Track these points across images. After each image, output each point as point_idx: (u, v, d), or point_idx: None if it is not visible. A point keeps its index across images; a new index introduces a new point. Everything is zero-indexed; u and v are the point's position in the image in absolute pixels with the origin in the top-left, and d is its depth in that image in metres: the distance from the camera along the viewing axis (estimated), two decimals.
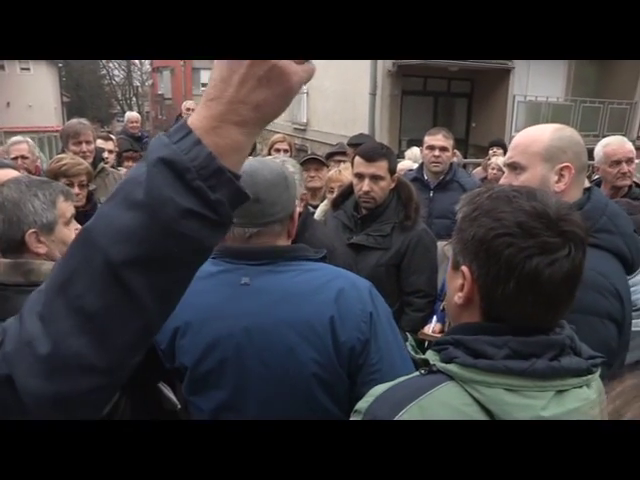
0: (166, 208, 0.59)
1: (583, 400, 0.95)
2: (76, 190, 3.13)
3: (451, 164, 3.95)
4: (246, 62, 0.62)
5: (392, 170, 2.75)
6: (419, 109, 15.15)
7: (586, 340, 1.10)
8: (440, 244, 3.11)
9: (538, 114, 14.19)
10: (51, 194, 1.75)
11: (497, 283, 0.96)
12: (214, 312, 1.45)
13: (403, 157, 5.89)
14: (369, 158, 2.71)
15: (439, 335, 2.30)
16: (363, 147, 2.91)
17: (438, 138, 3.85)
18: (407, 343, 1.14)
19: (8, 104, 25.80)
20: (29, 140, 4.39)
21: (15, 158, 4.03)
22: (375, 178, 2.69)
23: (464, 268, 1.00)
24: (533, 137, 1.65)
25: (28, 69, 26.90)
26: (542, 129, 1.68)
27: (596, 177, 3.71)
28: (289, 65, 0.64)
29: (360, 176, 2.72)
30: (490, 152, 6.85)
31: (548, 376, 0.93)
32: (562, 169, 1.61)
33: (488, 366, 0.93)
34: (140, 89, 45.28)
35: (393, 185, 2.77)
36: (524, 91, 14.38)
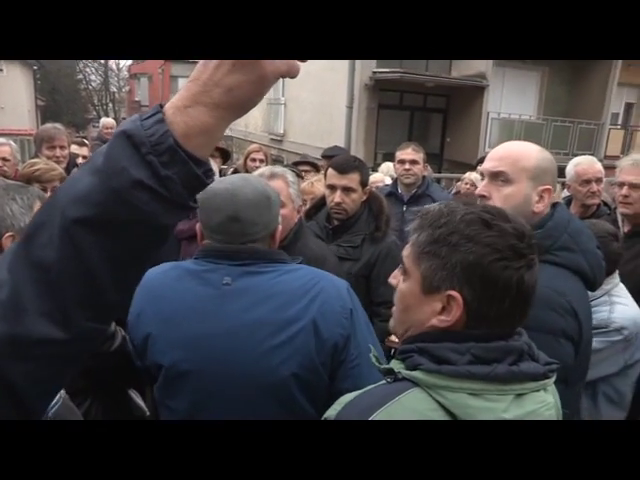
0: (119, 177, 0.62)
1: (540, 403, 1.00)
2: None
3: (424, 178, 4.06)
4: None
5: (364, 183, 2.80)
6: (395, 123, 15.33)
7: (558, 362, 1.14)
8: None
9: (511, 131, 14.48)
10: (29, 199, 1.76)
11: (491, 304, 1.00)
12: (195, 311, 1.46)
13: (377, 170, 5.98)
14: (341, 170, 2.76)
15: None
16: (336, 159, 2.96)
17: (408, 152, 3.99)
18: (370, 355, 1.14)
19: None
20: (12, 143, 4.33)
21: None
22: (347, 190, 2.73)
23: (454, 293, 1.00)
24: (521, 152, 1.65)
25: (1, 70, 26.49)
26: (528, 146, 1.68)
27: (566, 195, 3.80)
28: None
29: (332, 188, 2.77)
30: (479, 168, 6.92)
31: (508, 380, 0.97)
32: (544, 191, 1.62)
33: (452, 372, 0.96)
34: (117, 95, 44.92)
35: (365, 197, 2.82)
36: (498, 108, 14.68)
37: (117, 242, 0.64)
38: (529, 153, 1.65)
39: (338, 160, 2.92)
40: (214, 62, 0.65)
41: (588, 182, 3.39)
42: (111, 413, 1.90)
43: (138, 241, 0.66)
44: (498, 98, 14.59)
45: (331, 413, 1.05)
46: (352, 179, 2.74)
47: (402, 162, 3.98)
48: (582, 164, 3.47)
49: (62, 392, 1.37)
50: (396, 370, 1.03)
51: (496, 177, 1.65)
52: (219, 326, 1.43)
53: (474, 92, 14.30)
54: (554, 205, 1.70)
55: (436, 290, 1.03)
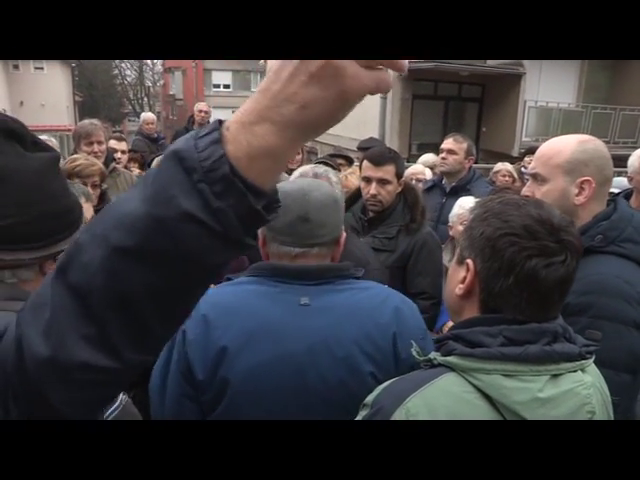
0: (167, 206, 0.55)
1: (577, 382, 1.02)
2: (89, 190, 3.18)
3: (469, 170, 4.06)
4: None
5: (399, 174, 2.79)
6: (429, 113, 15.17)
7: (612, 346, 1.14)
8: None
9: (549, 120, 14.18)
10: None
11: (497, 277, 1.05)
12: (270, 332, 1.39)
13: (414, 161, 5.90)
14: (377, 162, 2.76)
15: None
16: (371, 151, 2.96)
17: (448, 142, 4.02)
18: (412, 349, 1.17)
19: (21, 103, 26.04)
20: (53, 140, 4.45)
21: None
22: (382, 182, 2.73)
23: (469, 261, 1.09)
24: (556, 149, 1.67)
25: (42, 68, 27.15)
26: (566, 140, 1.69)
27: (625, 187, 3.65)
28: (348, 65, 0.56)
29: (368, 180, 2.77)
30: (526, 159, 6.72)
31: (542, 360, 0.99)
32: (582, 182, 1.62)
33: (485, 354, 1.00)
34: (152, 89, 45.63)
35: (400, 189, 2.82)
36: (535, 96, 14.36)
37: (162, 276, 0.58)
38: (563, 148, 1.66)
39: (373, 152, 2.92)
40: (288, 70, 0.55)
41: None
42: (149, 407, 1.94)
43: (185, 278, 0.59)
44: (535, 86, 14.26)
45: (369, 398, 1.10)
46: (387, 171, 2.73)
47: (441, 151, 4.04)
48: None
49: (124, 397, 1.39)
50: (432, 357, 1.08)
51: (535, 178, 1.71)
52: (301, 345, 1.38)
53: (510, 80, 14.03)
54: (613, 200, 1.72)
55: (462, 260, 1.12)
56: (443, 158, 3.98)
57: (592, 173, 1.63)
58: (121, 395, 1.21)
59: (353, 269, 1.52)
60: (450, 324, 2.48)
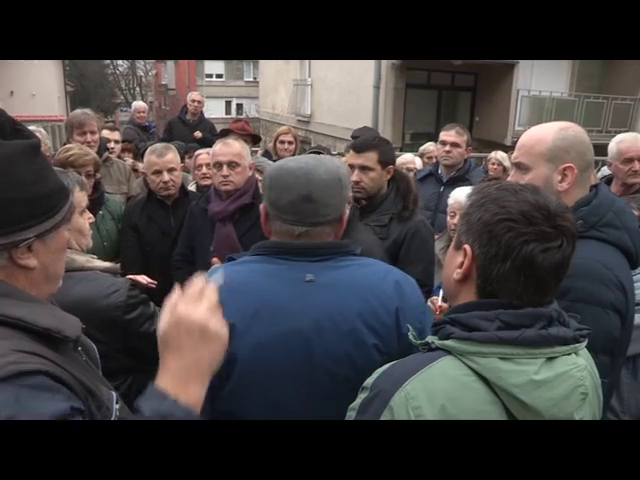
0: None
1: (571, 365, 1.04)
2: None
3: (466, 161, 4.07)
4: None
5: (383, 161, 2.79)
6: (423, 102, 15.15)
7: (591, 329, 1.15)
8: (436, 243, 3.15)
9: (542, 109, 14.18)
10: (68, 184, 1.80)
11: (494, 262, 1.06)
12: (277, 309, 1.42)
13: (411, 150, 5.89)
14: (358, 149, 2.79)
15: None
16: (356, 140, 2.98)
17: (451, 134, 3.99)
18: (408, 333, 1.19)
19: (12, 93, 25.71)
20: (42, 130, 4.44)
21: None
22: (364, 169, 2.74)
23: (466, 246, 1.10)
24: (537, 137, 1.69)
25: None
26: (546, 129, 1.70)
27: (606, 174, 3.69)
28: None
29: (350, 167, 2.77)
30: None
31: (538, 344, 1.01)
32: (565, 169, 1.64)
33: (482, 337, 1.01)
34: (144, 79, 45.28)
35: (388, 177, 2.83)
36: (528, 86, 14.36)
37: None
38: (545, 136, 1.68)
39: (357, 140, 2.94)
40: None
41: (630, 160, 3.26)
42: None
43: None
44: (528, 75, 14.25)
45: (368, 381, 1.11)
46: (368, 158, 2.74)
47: (443, 143, 3.99)
48: (625, 141, 3.34)
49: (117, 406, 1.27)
50: (430, 341, 1.10)
51: (518, 167, 1.73)
52: (307, 320, 1.41)
53: (503, 69, 14.02)
54: (595, 186, 1.74)
55: (460, 245, 1.14)
56: (447, 151, 3.94)
57: (573, 159, 1.64)
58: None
59: (353, 246, 1.55)
60: (434, 298, 2.53)
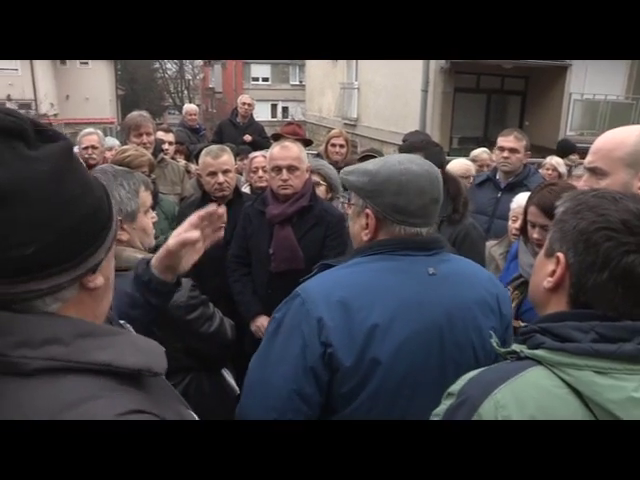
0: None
1: None
2: None
3: (525, 166, 3.95)
4: None
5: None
6: (471, 107, 14.93)
7: None
8: (488, 244, 3.10)
9: (595, 113, 13.79)
10: (134, 184, 1.82)
11: (590, 272, 1.01)
12: (412, 305, 1.41)
13: (459, 155, 5.78)
14: (404, 152, 2.78)
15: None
16: (403, 143, 2.97)
17: (509, 139, 3.86)
18: (491, 340, 1.17)
19: (67, 97, 26.68)
20: (99, 132, 4.56)
21: (86, 148, 4.19)
22: None
23: (560, 255, 1.06)
24: (616, 141, 1.63)
25: (87, 63, 27.73)
26: (626, 132, 1.64)
27: None
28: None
29: None
30: (572, 157, 6.53)
31: (637, 359, 0.95)
32: None
33: (576, 349, 0.96)
34: (191, 82, 46.09)
35: None
36: (581, 89, 13.97)
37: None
38: (625, 139, 1.61)
39: (403, 143, 2.96)
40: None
41: None
42: (206, 391, 1.96)
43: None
44: (582, 78, 13.85)
45: (455, 388, 1.09)
46: None
47: (502, 149, 3.86)
48: None
49: None
50: (517, 350, 1.05)
51: (593, 172, 1.67)
52: (439, 311, 1.43)
53: (555, 72, 13.69)
54: None
55: (552, 253, 1.09)
56: (505, 157, 3.82)
57: None
58: None
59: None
60: None
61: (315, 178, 3.35)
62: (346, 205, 1.66)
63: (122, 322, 1.09)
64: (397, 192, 1.45)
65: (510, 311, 1.60)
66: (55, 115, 24.59)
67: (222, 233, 1.54)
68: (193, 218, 1.42)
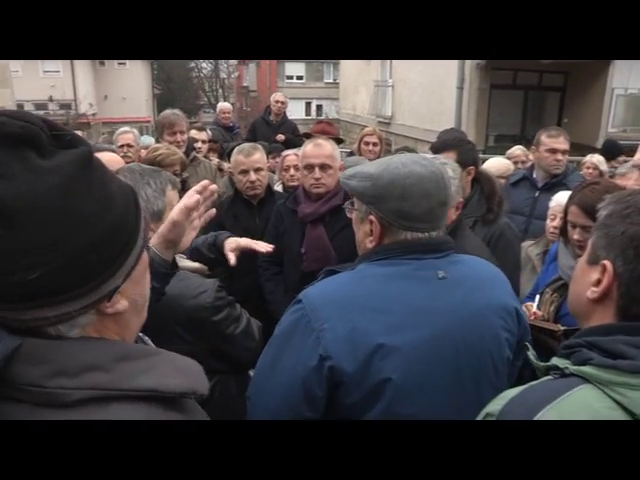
0: None
1: None
2: None
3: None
4: None
5: (464, 162, 2.68)
6: (508, 103, 14.63)
7: None
8: (525, 245, 3.01)
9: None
10: (161, 183, 1.80)
11: None
12: (422, 312, 1.33)
13: (494, 153, 5.66)
14: (435, 150, 2.73)
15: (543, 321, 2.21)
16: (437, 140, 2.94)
17: (560, 141, 3.69)
18: (528, 353, 1.09)
19: (106, 97, 27.24)
20: (135, 130, 4.61)
21: (122, 146, 4.23)
22: None
23: (606, 263, 0.98)
24: None
25: (124, 64, 28.27)
26: None
27: None
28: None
29: None
30: (620, 159, 6.25)
31: None
32: None
33: (630, 367, 0.88)
34: (226, 81, 46.41)
35: (469, 178, 2.74)
36: (625, 83, 13.50)
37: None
38: None
39: (435, 141, 2.90)
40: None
41: None
42: (232, 392, 1.93)
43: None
44: (626, 72, 13.37)
45: (495, 408, 0.99)
46: (446, 158, 2.60)
47: (554, 151, 3.68)
48: None
49: None
50: (561, 366, 0.96)
51: None
52: (453, 319, 1.34)
53: (597, 67, 13.28)
54: None
55: (596, 260, 1.01)
56: (558, 160, 3.66)
57: None
58: None
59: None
60: (529, 304, 2.37)
61: None
62: (348, 210, 1.54)
63: (141, 335, 1.01)
64: (401, 197, 1.35)
65: (525, 318, 1.52)
66: (94, 114, 25.09)
67: (214, 212, 1.60)
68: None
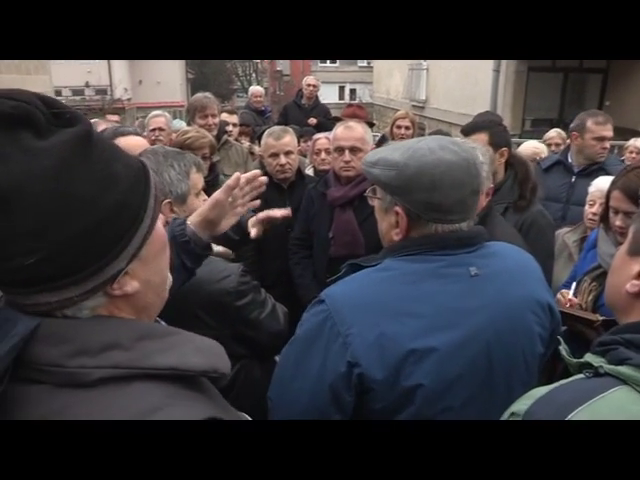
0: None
1: None
2: None
3: None
4: None
5: (496, 144, 2.61)
6: (546, 87, 14.23)
7: None
8: (561, 232, 2.91)
9: None
10: (185, 165, 1.78)
11: None
12: (454, 313, 1.25)
13: (531, 137, 5.52)
14: (466, 132, 2.67)
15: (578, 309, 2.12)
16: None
17: (608, 128, 3.56)
18: (560, 347, 1.03)
19: (140, 82, 27.51)
20: (166, 114, 4.62)
21: (153, 130, 4.24)
22: None
23: None
24: None
25: None
26: None
27: None
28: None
29: None
30: None
31: None
32: None
33: None
34: (259, 65, 46.37)
35: (502, 160, 2.66)
36: None
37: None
38: None
39: (468, 123, 2.81)
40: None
41: None
42: (257, 377, 1.91)
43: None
44: None
45: (520, 407, 0.93)
46: (478, 140, 2.56)
47: (601, 139, 3.55)
48: None
49: None
50: (595, 364, 0.89)
51: None
52: (484, 319, 1.26)
53: None
54: None
55: (638, 251, 0.95)
56: (605, 148, 3.55)
57: None
58: None
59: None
60: (564, 291, 2.28)
61: None
62: (370, 198, 1.44)
63: (157, 318, 0.99)
64: (430, 188, 1.24)
65: (557, 312, 1.43)
66: (128, 99, 25.38)
67: (258, 202, 1.60)
68: (236, 174, 1.49)
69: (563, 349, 1.01)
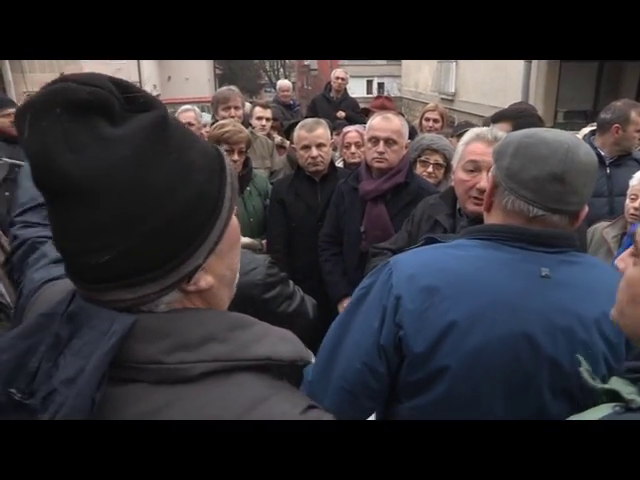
0: None
1: None
2: (235, 157, 3.21)
3: None
4: None
5: None
6: (579, 77, 13.91)
7: None
8: (599, 226, 2.82)
9: None
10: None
11: None
12: (507, 307, 1.22)
13: (569, 130, 5.36)
14: (493, 120, 2.67)
15: None
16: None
17: None
18: (581, 369, 0.95)
19: (169, 78, 27.81)
20: (196, 109, 4.65)
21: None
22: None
23: None
24: None
25: None
26: None
27: None
28: None
29: None
30: None
31: None
32: None
33: None
34: (287, 61, 46.39)
35: None
36: None
37: None
38: None
39: (497, 111, 2.82)
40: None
41: None
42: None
43: None
44: None
45: None
46: (501, 128, 2.49)
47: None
48: None
49: None
50: (627, 397, 0.78)
51: None
52: (537, 323, 1.22)
53: None
54: None
55: None
56: None
57: None
58: None
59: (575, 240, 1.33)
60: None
61: (437, 159, 3.21)
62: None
63: None
64: (514, 154, 1.27)
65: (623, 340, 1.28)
66: (158, 95, 25.63)
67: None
68: None
69: (584, 370, 0.91)
